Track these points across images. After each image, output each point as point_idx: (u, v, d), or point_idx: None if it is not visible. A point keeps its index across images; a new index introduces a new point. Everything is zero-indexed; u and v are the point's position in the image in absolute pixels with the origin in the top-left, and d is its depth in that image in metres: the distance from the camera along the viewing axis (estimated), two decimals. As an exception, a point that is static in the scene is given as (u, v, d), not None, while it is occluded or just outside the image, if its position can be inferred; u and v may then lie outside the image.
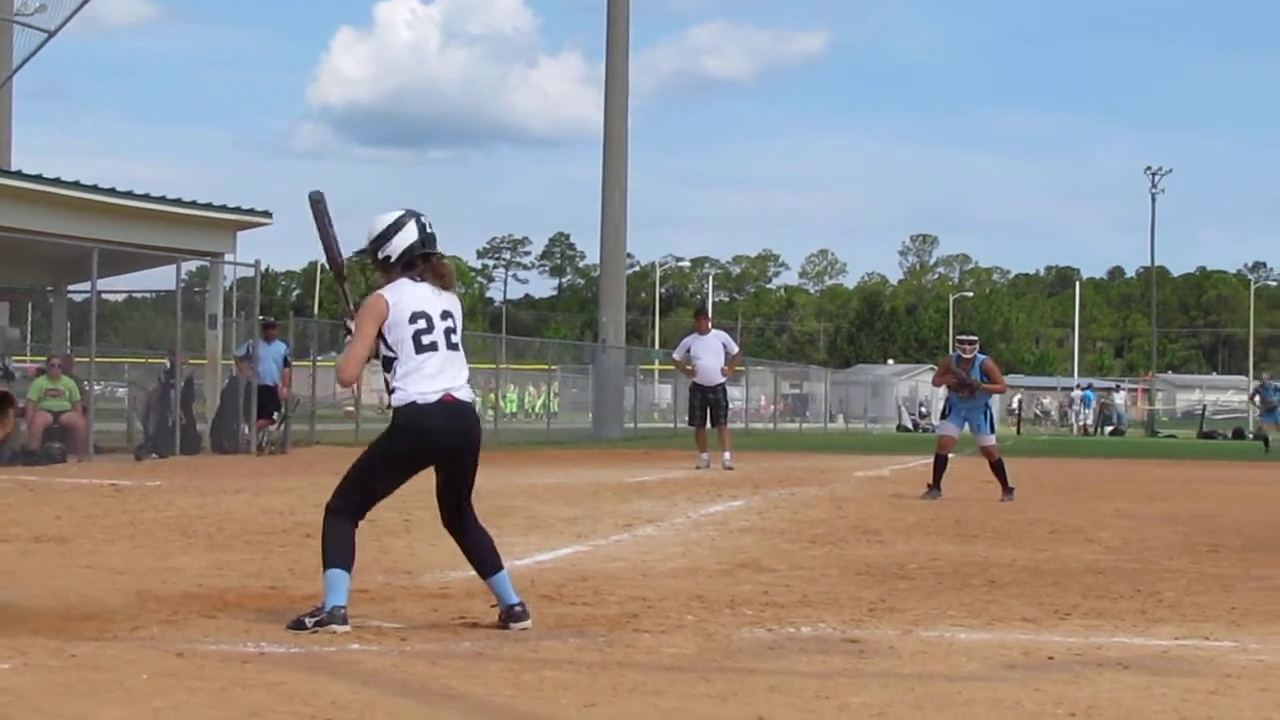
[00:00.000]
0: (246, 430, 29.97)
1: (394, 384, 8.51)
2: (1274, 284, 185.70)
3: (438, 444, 8.56)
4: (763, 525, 15.75)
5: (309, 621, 8.31)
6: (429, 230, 8.78)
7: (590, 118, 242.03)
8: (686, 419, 28.65)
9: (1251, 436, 44.56)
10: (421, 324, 8.53)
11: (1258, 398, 47.50)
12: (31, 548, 12.36)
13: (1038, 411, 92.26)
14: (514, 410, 63.64)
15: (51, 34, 30.67)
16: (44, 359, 28.81)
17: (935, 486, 20.13)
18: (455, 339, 8.68)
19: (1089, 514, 17.97)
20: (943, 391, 21.59)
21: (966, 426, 20.42)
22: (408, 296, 8.59)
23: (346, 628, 8.25)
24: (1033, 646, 8.34)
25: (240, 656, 7.57)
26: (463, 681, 7.07)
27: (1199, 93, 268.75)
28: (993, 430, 20.64)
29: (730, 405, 28.37)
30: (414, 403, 8.45)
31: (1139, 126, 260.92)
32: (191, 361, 30.49)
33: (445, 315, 8.65)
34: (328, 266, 9.49)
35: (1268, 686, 7.31)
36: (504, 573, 8.77)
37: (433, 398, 8.45)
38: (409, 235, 8.71)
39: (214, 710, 6.33)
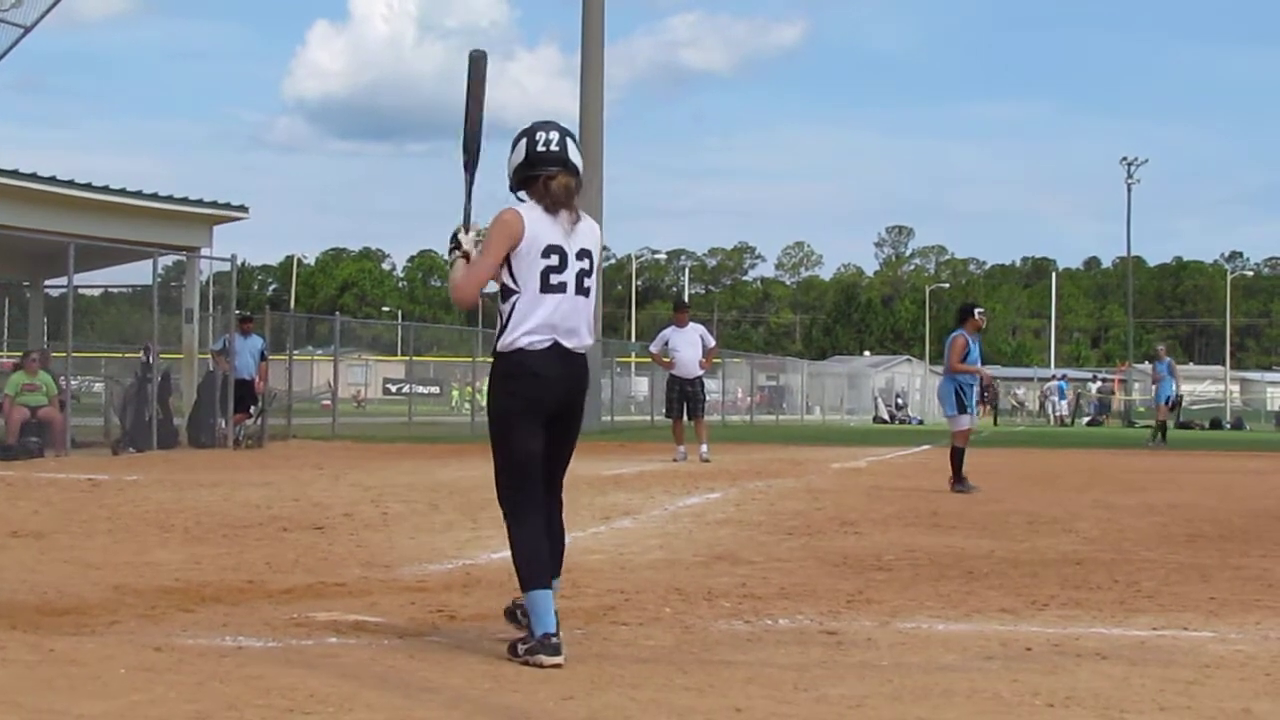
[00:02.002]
0: (224, 425, 29.92)
1: (507, 322, 7.67)
2: (1250, 273, 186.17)
3: (552, 391, 7.69)
4: (740, 517, 15.75)
5: (520, 649, 7.43)
6: (541, 148, 7.79)
7: (567, 110, 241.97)
8: (664, 411, 28.64)
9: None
10: (554, 259, 7.67)
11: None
12: (9, 542, 12.32)
13: (1013, 402, 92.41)
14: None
15: (28, 29, 30.53)
16: (20, 354, 28.72)
17: (961, 479, 19.92)
18: (588, 283, 7.81)
19: (1066, 505, 17.99)
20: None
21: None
22: (544, 225, 7.70)
23: (559, 659, 7.29)
24: (1010, 637, 8.35)
25: (218, 650, 7.56)
26: (441, 674, 7.06)
27: (1175, 83, 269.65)
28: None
29: (707, 398, 28.38)
30: (522, 349, 7.62)
31: (1115, 117, 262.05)
32: (168, 356, 30.43)
33: (582, 254, 7.78)
34: (462, 144, 8.12)
35: (1246, 676, 7.32)
36: (553, 588, 7.69)
37: (544, 344, 7.64)
38: (518, 155, 7.82)
39: (192, 704, 6.32)
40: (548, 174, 7.76)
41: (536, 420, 7.69)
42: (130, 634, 8.00)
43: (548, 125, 7.89)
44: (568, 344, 7.71)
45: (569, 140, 7.91)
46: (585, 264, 7.80)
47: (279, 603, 9.19)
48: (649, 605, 9.34)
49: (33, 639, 7.75)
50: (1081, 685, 7.00)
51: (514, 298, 7.67)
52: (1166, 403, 41.56)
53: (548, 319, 7.64)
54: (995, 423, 73.46)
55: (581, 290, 7.77)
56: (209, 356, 31.81)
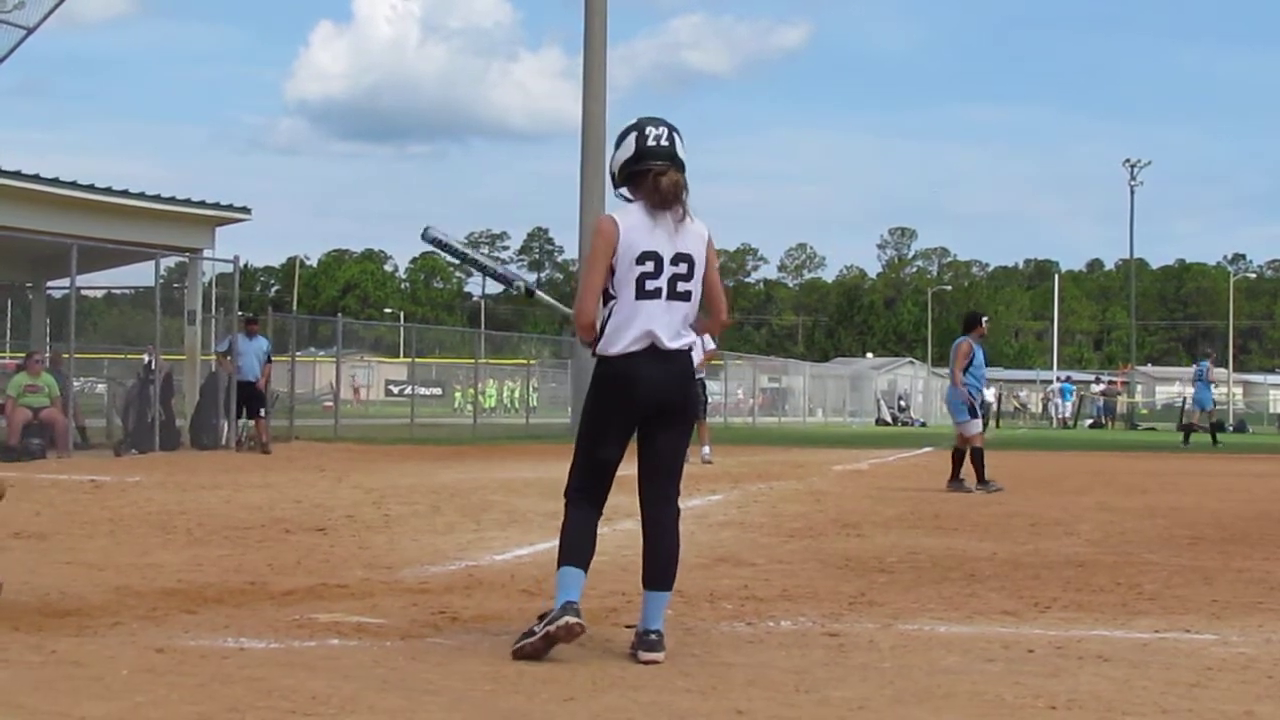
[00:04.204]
0: (226, 426, 29.92)
1: (605, 328, 7.71)
2: (1254, 276, 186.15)
3: (648, 394, 7.67)
4: (742, 519, 15.75)
5: (537, 628, 7.52)
6: (651, 143, 7.71)
7: (569, 111, 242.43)
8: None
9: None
10: (649, 266, 7.64)
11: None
12: (11, 543, 12.33)
13: (1016, 405, 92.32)
14: (493, 405, 63.56)
15: (30, 31, 30.52)
16: (23, 355, 28.74)
17: (985, 480, 20.11)
18: (685, 286, 7.73)
19: (1069, 507, 17.99)
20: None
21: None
22: (639, 229, 7.67)
23: (580, 620, 7.46)
24: (1013, 639, 8.34)
25: (220, 652, 7.56)
26: (442, 676, 7.06)
27: (1178, 85, 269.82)
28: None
29: (709, 399, 28.37)
30: (618, 354, 7.65)
31: (1118, 119, 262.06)
32: (170, 357, 30.43)
33: (678, 259, 7.70)
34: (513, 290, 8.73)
35: (1248, 679, 7.32)
36: (665, 594, 7.79)
37: (639, 346, 7.64)
38: (626, 149, 7.75)
39: (194, 705, 6.31)
40: (658, 169, 7.70)
41: (627, 425, 7.77)
42: (132, 635, 8.00)
43: (656, 121, 7.82)
44: (664, 345, 7.69)
45: (676, 135, 7.82)
46: (682, 268, 7.72)
47: (281, 604, 9.19)
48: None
49: (35, 640, 7.75)
50: (1083, 688, 6.99)
51: (611, 304, 7.71)
52: (1202, 408, 42.25)
53: (643, 325, 7.66)
54: (998, 425, 73.47)
55: (676, 295, 7.71)
56: (212, 358, 31.81)
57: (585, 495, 7.84)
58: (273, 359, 31.72)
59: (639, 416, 7.75)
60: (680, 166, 7.76)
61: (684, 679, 7.09)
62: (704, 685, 6.95)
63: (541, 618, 7.66)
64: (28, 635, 7.90)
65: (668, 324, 7.68)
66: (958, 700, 6.71)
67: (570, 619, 7.44)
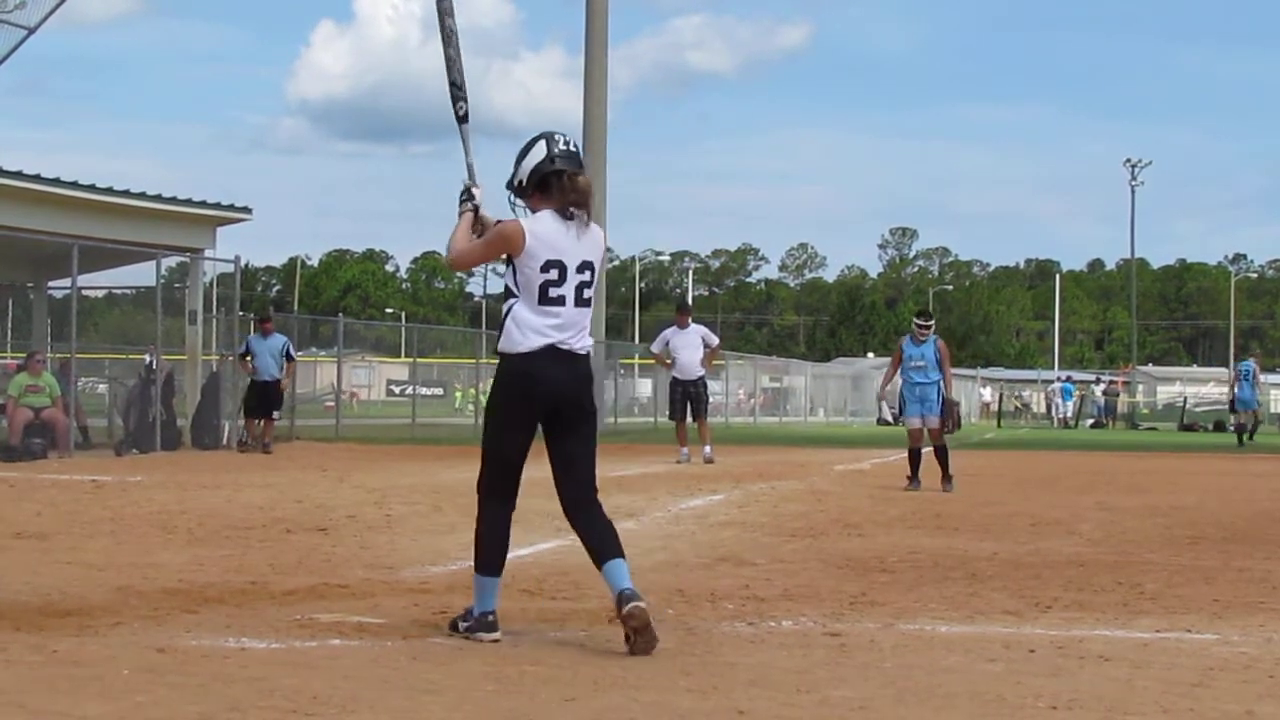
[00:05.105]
0: (227, 426, 29.90)
1: (507, 326, 7.97)
2: (1255, 275, 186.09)
3: (548, 392, 7.94)
4: (743, 519, 15.75)
5: (461, 625, 8.10)
6: (562, 148, 8.03)
7: (571, 111, 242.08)
8: (668, 413, 28.65)
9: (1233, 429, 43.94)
10: (553, 274, 7.89)
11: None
12: (12, 544, 12.34)
13: (1018, 404, 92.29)
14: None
15: (31, 31, 30.54)
16: (24, 355, 28.72)
17: (914, 478, 20.32)
18: (588, 294, 8.03)
19: (1069, 507, 17.99)
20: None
21: (922, 414, 20.58)
22: (546, 237, 7.90)
23: (496, 635, 7.93)
24: (1014, 639, 8.34)
25: (221, 652, 7.56)
26: (443, 676, 7.07)
27: (1178, 85, 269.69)
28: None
29: (710, 399, 28.39)
30: (522, 353, 7.91)
31: (1118, 118, 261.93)
32: (172, 357, 30.41)
33: (583, 267, 7.98)
34: (449, 91, 8.54)
35: (1249, 679, 7.32)
36: (623, 561, 8.01)
37: (541, 346, 7.89)
38: (538, 154, 8.00)
39: (195, 705, 6.32)
40: (571, 169, 8.00)
41: (530, 421, 8.05)
42: (133, 635, 8.01)
43: (558, 132, 8.13)
44: (565, 347, 7.96)
45: (579, 146, 8.20)
46: (586, 275, 8.01)
47: (282, 604, 9.19)
48: (652, 607, 9.32)
49: (36, 640, 7.76)
50: (1085, 687, 7.00)
51: (514, 302, 7.98)
52: (1249, 408, 42.42)
53: (546, 328, 7.92)
54: (999, 425, 73.45)
55: (580, 302, 8.01)
56: (214, 358, 31.76)
57: (495, 492, 8.16)
58: (295, 356, 31.26)
59: (540, 414, 8.04)
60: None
61: (685, 678, 7.09)
62: (705, 685, 6.95)
63: (467, 613, 8.13)
64: (29, 635, 7.91)
65: (571, 327, 7.97)
66: (959, 700, 6.71)
67: (485, 635, 7.95)
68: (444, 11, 8.63)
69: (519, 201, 8.10)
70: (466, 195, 8.24)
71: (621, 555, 8.01)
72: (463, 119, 8.52)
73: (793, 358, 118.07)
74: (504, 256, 8.05)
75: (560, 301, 7.93)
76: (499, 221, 8.10)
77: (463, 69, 8.57)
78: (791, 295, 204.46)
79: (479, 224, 8.21)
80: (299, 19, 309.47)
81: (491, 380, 8.19)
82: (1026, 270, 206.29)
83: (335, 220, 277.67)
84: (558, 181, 7.95)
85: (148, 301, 30.20)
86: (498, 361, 8.09)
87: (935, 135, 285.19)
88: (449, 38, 8.61)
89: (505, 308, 8.02)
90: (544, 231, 7.91)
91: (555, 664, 7.40)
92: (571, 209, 7.95)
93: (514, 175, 8.09)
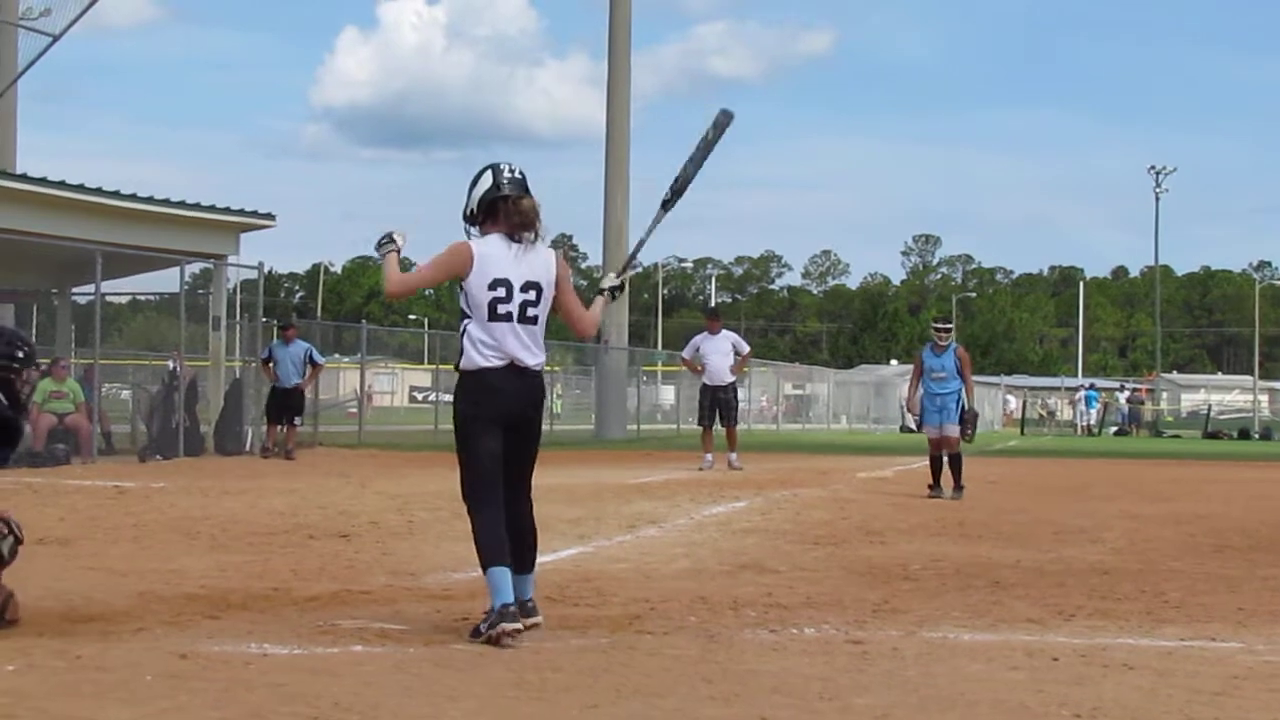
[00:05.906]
0: (250, 432, 29.92)
1: (463, 345, 8.47)
2: (1279, 283, 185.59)
3: (503, 404, 8.44)
4: (765, 526, 15.73)
5: (483, 628, 8.18)
6: (508, 174, 8.59)
7: (594, 118, 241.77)
8: (696, 419, 28.65)
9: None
10: (500, 292, 8.41)
11: None
12: (35, 549, 12.30)
13: (1041, 412, 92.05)
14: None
15: (56, 38, 30.66)
16: (48, 361, 28.75)
17: (936, 486, 20.31)
18: (533, 311, 8.52)
19: (1093, 515, 17.94)
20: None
21: (940, 422, 20.55)
22: (493, 258, 8.45)
23: (519, 625, 8.10)
24: (1037, 648, 8.32)
25: (243, 658, 7.56)
26: (465, 682, 7.07)
27: (1203, 91, 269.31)
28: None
29: (739, 405, 28.41)
30: (481, 369, 8.40)
31: (1142, 125, 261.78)
32: (195, 363, 30.45)
33: (528, 286, 8.49)
34: (677, 185, 9.35)
35: (1275, 687, 7.29)
36: (531, 575, 8.51)
37: (497, 362, 8.40)
38: (485, 183, 8.58)
39: (217, 711, 6.32)
40: (515, 194, 8.56)
41: (495, 427, 8.45)
42: (156, 641, 8.01)
43: (504, 162, 8.70)
44: (520, 363, 8.48)
45: (525, 175, 8.71)
46: (531, 295, 8.52)
47: (304, 610, 9.20)
48: (674, 614, 9.34)
49: (59, 645, 7.77)
50: (1108, 696, 6.97)
51: (467, 322, 8.51)
52: None
53: (499, 343, 8.44)
54: (1022, 432, 73.33)
55: (525, 319, 8.52)
56: (237, 364, 31.77)
57: (481, 499, 8.43)
58: (320, 363, 31.07)
59: (502, 423, 8.47)
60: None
61: (707, 686, 7.08)
62: (728, 692, 6.94)
63: (486, 616, 8.21)
64: (52, 640, 7.92)
65: (520, 344, 8.49)
66: (981, 708, 6.69)
67: (508, 625, 8.07)
68: (719, 125, 9.45)
69: (473, 230, 8.64)
70: (388, 239, 8.83)
71: (532, 569, 8.55)
72: (665, 204, 9.31)
73: (815, 365, 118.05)
74: (458, 283, 8.53)
75: (508, 318, 8.45)
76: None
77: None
78: (814, 302, 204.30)
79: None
80: (323, 26, 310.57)
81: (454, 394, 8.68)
82: (1050, 277, 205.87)
83: (359, 227, 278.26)
84: (504, 206, 8.51)
85: (171, 307, 30.25)
86: (458, 378, 8.55)
87: (958, 142, 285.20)
88: (705, 150, 9.41)
89: (461, 329, 8.50)
90: (490, 253, 8.45)
91: (577, 671, 7.39)
92: (518, 232, 8.47)
93: (466, 204, 8.64)
